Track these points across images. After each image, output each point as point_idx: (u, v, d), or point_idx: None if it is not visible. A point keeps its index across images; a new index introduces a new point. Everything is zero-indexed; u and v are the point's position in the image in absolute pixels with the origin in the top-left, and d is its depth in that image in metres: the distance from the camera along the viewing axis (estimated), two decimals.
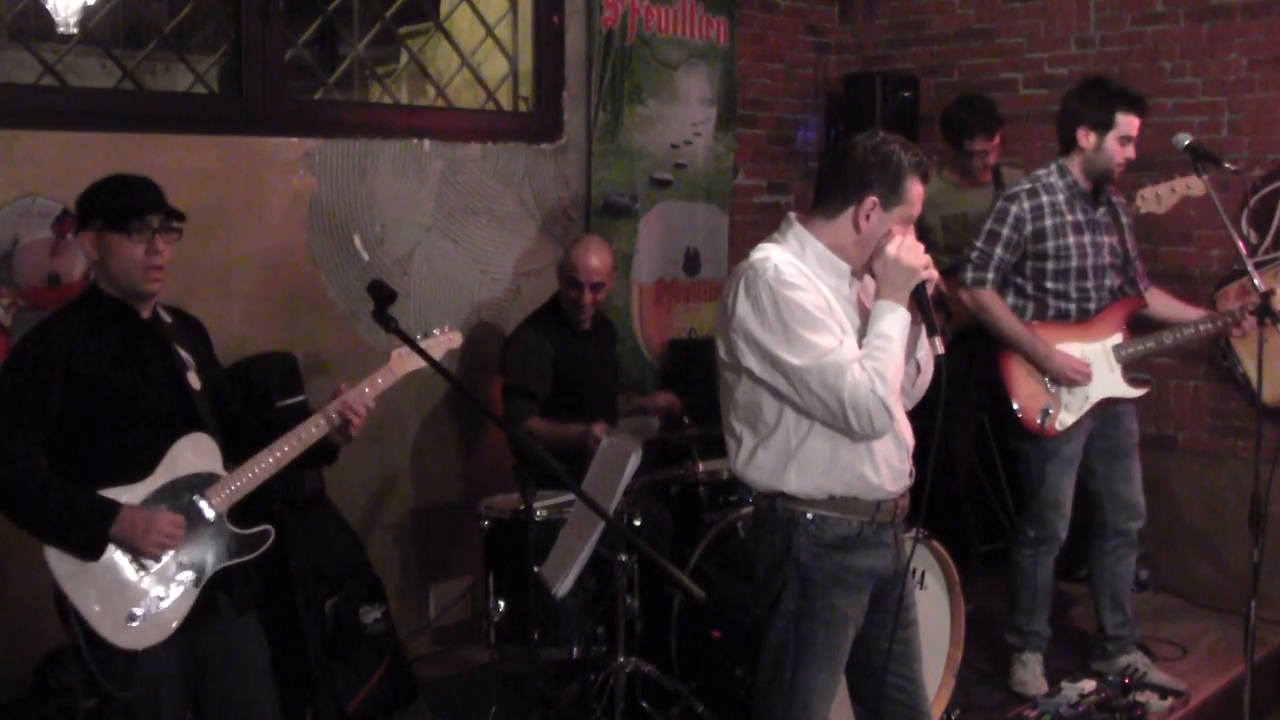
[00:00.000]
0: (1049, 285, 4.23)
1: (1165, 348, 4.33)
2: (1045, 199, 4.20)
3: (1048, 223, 4.18)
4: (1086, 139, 4.15)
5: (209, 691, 2.96)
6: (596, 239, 4.75)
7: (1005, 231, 4.19)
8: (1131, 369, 4.31)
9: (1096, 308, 4.25)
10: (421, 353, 2.97)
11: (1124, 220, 4.34)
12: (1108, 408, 4.29)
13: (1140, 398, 4.33)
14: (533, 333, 4.58)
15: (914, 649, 3.06)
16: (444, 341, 3.20)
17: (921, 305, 2.81)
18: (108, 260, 2.82)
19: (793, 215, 2.93)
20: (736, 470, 2.93)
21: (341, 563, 4.22)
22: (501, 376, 4.59)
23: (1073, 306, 4.24)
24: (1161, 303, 4.41)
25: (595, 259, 4.53)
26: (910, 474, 2.96)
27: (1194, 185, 4.21)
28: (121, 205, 2.82)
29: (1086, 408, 4.22)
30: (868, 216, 2.80)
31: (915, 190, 2.81)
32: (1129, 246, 4.34)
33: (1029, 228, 4.19)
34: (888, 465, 2.88)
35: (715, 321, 2.95)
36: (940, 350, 2.78)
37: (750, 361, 2.79)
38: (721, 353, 2.89)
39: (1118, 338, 4.26)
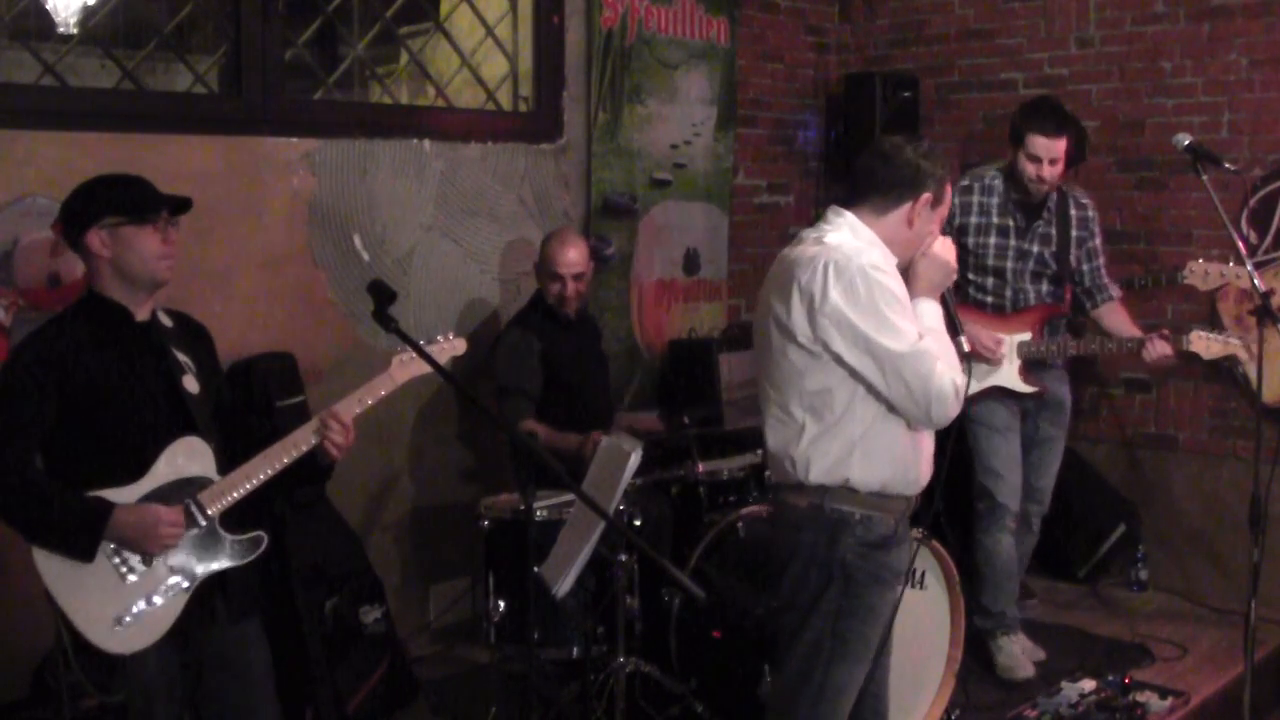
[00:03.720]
0: (969, 276, 4.45)
1: (1067, 354, 4.47)
2: (977, 198, 4.43)
3: (971, 220, 4.43)
4: (1011, 151, 4.38)
5: (206, 697, 2.94)
6: (569, 230, 4.81)
7: None
8: (1042, 367, 4.48)
9: (1011, 307, 4.46)
10: (423, 354, 2.96)
11: (1074, 234, 4.44)
12: (1046, 402, 4.49)
13: (1043, 395, 4.49)
14: (518, 331, 4.59)
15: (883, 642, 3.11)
16: (447, 348, 3.17)
17: (945, 303, 2.95)
18: (124, 255, 2.79)
19: (839, 208, 2.95)
20: (795, 455, 2.87)
21: (341, 563, 4.22)
22: (493, 378, 4.59)
23: (988, 299, 4.47)
24: (1113, 318, 4.52)
25: (573, 251, 4.57)
26: None
27: (1241, 276, 4.20)
28: (136, 197, 2.82)
29: (975, 390, 4.33)
30: (920, 214, 2.89)
31: (950, 192, 2.98)
32: (1073, 259, 4.46)
33: (957, 220, 4.40)
34: (925, 461, 2.96)
35: (773, 304, 2.87)
36: (967, 348, 2.90)
37: (839, 346, 2.78)
38: (802, 338, 2.81)
39: (1026, 335, 4.44)
